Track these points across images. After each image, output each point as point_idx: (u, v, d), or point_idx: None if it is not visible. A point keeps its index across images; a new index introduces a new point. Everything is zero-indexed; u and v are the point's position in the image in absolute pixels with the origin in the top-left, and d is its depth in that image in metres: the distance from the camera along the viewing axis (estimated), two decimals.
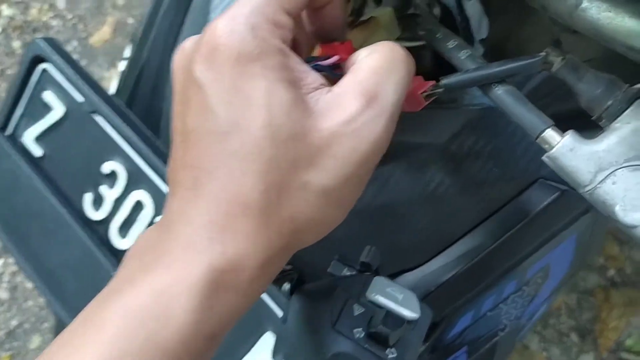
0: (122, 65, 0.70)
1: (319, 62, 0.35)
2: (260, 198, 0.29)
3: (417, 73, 0.40)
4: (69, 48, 1.74)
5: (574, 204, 0.51)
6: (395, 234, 0.52)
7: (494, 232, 0.51)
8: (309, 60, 0.35)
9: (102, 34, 1.77)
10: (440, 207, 0.51)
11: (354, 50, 0.37)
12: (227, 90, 0.30)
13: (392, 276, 0.53)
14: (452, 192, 0.51)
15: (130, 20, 1.77)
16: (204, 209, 0.30)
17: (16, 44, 1.72)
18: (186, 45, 0.33)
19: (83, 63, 1.71)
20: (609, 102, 0.33)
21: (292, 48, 0.33)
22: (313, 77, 0.33)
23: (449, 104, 0.51)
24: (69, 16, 1.79)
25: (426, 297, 0.52)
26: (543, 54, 0.35)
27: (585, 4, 0.33)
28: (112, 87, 0.71)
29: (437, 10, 0.50)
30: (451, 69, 0.40)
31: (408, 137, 0.50)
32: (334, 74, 0.36)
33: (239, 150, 0.29)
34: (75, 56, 1.71)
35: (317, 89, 0.32)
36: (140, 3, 1.79)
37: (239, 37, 0.30)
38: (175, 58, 0.34)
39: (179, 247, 0.30)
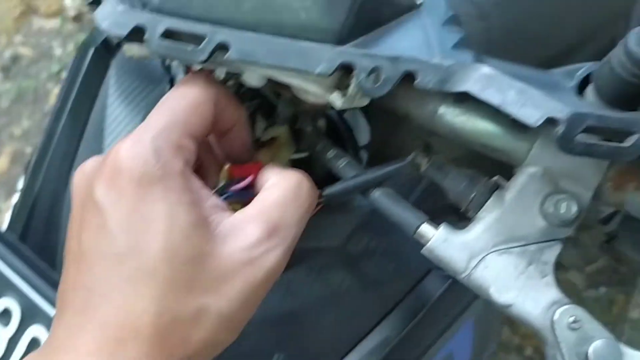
0: (15, 198, 0.68)
1: (231, 189, 0.37)
2: (153, 322, 0.29)
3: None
4: None
5: (466, 290, 0.54)
6: (303, 339, 0.52)
7: (396, 327, 0.52)
8: (221, 190, 0.37)
9: None
10: (343, 308, 0.52)
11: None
12: (128, 213, 0.30)
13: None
14: (353, 292, 0.52)
15: (29, 150, 1.74)
16: (92, 335, 0.29)
17: None
18: (87, 166, 0.34)
19: None
20: (472, 195, 0.37)
21: (199, 170, 0.35)
22: (214, 200, 0.34)
23: (341, 207, 0.54)
24: None
25: None
26: (410, 157, 0.39)
27: (441, 110, 0.38)
28: (4, 221, 0.69)
29: (322, 122, 0.54)
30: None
31: (306, 243, 0.52)
32: (246, 194, 0.37)
33: (135, 274, 0.30)
34: None
35: (219, 211, 0.33)
36: (39, 131, 1.77)
37: (142, 160, 0.31)
38: (75, 178, 0.34)
39: None
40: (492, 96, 0.32)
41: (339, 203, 0.52)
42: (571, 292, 1.47)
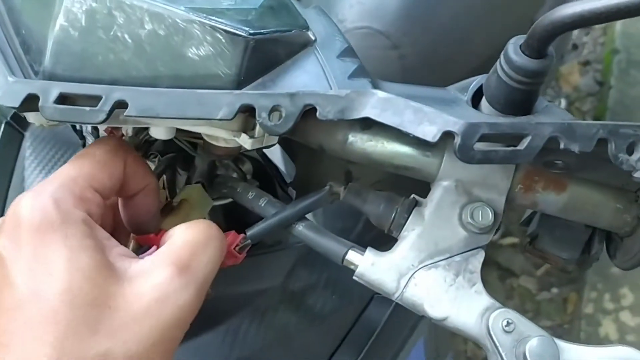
0: None
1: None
2: None
3: (243, 224, 0.42)
4: None
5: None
6: None
7: (349, 358, 0.52)
8: None
9: None
10: (293, 347, 0.52)
11: None
12: (28, 260, 0.31)
13: None
14: (300, 330, 0.52)
15: None
16: None
17: None
18: None
19: None
20: (392, 216, 0.37)
21: (113, 234, 0.35)
22: (122, 250, 0.34)
23: (275, 246, 0.54)
24: None
25: None
26: (327, 187, 0.39)
27: (351, 139, 0.38)
28: None
29: (247, 166, 0.54)
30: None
31: (247, 287, 0.52)
32: None
33: (35, 319, 0.29)
34: None
35: (127, 257, 0.33)
36: None
37: (41, 210, 0.31)
38: None
39: None
40: (390, 118, 0.33)
41: (274, 242, 0.52)
42: (525, 296, 1.50)
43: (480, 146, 0.31)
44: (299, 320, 0.52)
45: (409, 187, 0.42)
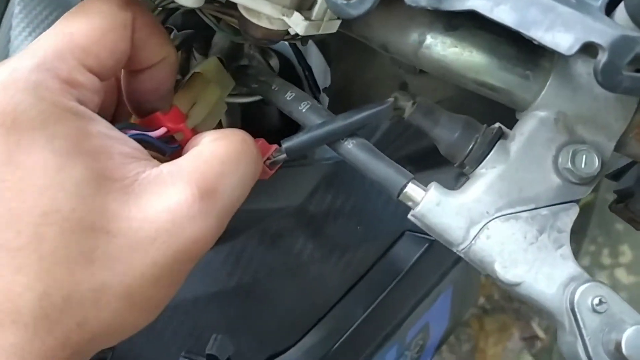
0: None
1: (144, 133, 0.29)
2: (37, 302, 0.23)
3: (263, 132, 0.34)
4: None
5: (445, 254, 0.48)
6: (258, 316, 0.45)
7: (366, 298, 0.46)
8: (125, 127, 0.28)
9: None
10: (304, 278, 0.46)
11: (183, 117, 0.31)
12: None
13: None
14: (314, 259, 0.46)
15: None
16: None
17: None
18: None
19: None
20: (470, 147, 0.30)
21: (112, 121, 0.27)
22: (130, 146, 0.27)
23: (299, 160, 0.46)
24: None
25: None
26: (391, 99, 0.31)
27: (429, 41, 0.30)
28: None
29: (274, 62, 0.45)
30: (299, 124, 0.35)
31: (258, 204, 0.45)
32: (170, 148, 0.30)
33: (12, 243, 0.23)
34: None
35: (135, 159, 0.26)
36: None
37: (14, 98, 0.24)
38: None
39: None
40: (506, 15, 0.24)
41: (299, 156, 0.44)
42: None
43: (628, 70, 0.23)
44: (314, 248, 0.45)
45: (480, 114, 0.34)
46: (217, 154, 0.27)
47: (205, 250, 0.26)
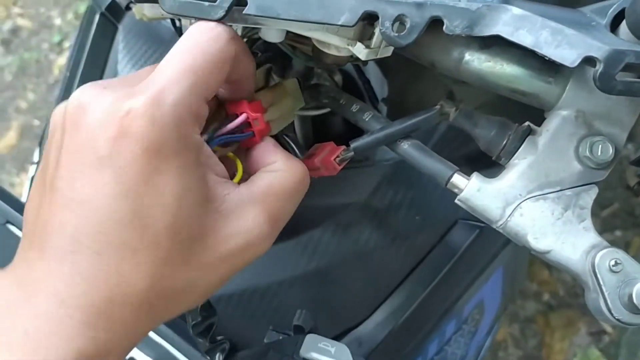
0: (32, 170, 0.68)
1: (225, 132, 0.35)
2: (146, 291, 0.29)
3: (329, 138, 0.41)
4: None
5: (495, 238, 0.53)
6: (333, 295, 0.52)
7: (426, 278, 0.52)
8: (212, 134, 0.34)
9: (7, 139, 1.72)
10: (371, 264, 0.52)
11: (263, 110, 0.37)
12: (138, 182, 0.28)
13: (337, 337, 0.53)
14: (380, 246, 0.52)
15: (36, 122, 1.74)
16: (83, 290, 0.28)
17: None
18: (88, 109, 0.30)
19: None
20: (504, 142, 0.36)
21: None
22: (219, 168, 0.33)
23: (363, 162, 0.53)
24: None
25: (373, 352, 0.52)
26: (438, 107, 0.38)
27: (467, 58, 0.36)
28: (23, 194, 0.68)
29: (338, 77, 0.53)
30: (360, 131, 0.43)
31: (331, 200, 0.52)
32: (243, 135, 0.36)
33: (137, 243, 0.29)
34: None
35: (222, 181, 0.32)
36: (45, 104, 1.76)
37: (161, 130, 0.29)
38: (64, 114, 0.31)
39: (46, 328, 0.27)
40: (524, 38, 0.31)
41: (363, 157, 0.51)
42: None
43: (620, 76, 0.29)
44: (379, 237, 0.52)
45: (515, 113, 0.40)
46: (286, 188, 0.33)
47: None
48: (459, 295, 0.53)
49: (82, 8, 1.92)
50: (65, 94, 0.62)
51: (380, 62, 0.55)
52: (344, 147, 0.39)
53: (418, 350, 0.53)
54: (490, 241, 0.53)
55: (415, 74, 0.50)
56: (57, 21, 1.93)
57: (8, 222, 0.52)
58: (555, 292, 1.50)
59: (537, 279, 1.48)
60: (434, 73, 0.46)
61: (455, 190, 0.36)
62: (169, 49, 0.33)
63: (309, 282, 0.52)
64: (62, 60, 1.85)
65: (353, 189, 0.52)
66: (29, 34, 1.92)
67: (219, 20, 0.33)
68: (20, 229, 0.52)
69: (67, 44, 1.88)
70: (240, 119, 0.36)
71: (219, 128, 0.35)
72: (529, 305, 1.48)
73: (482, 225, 0.52)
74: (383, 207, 0.52)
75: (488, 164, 0.45)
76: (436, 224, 0.53)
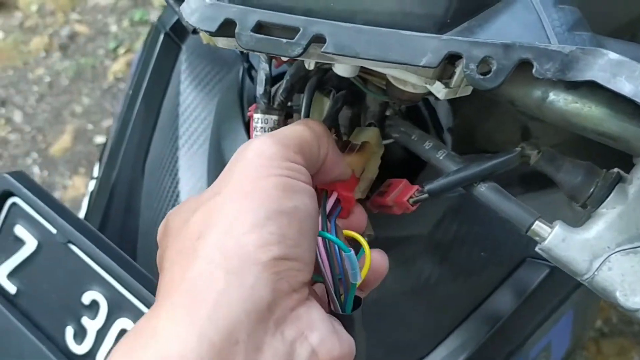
0: (91, 185, 0.69)
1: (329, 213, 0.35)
2: None
3: (391, 166, 0.40)
4: (28, 160, 1.72)
5: (566, 279, 0.51)
6: (392, 329, 0.50)
7: (490, 317, 0.50)
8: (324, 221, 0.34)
9: (62, 142, 1.76)
10: (433, 298, 0.51)
11: (355, 183, 0.38)
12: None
13: None
14: (443, 281, 0.50)
15: (90, 127, 1.77)
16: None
17: None
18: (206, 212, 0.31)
19: (44, 174, 1.69)
20: (591, 189, 0.34)
21: None
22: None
23: None
24: (27, 129, 1.78)
25: None
26: (519, 149, 0.36)
27: (552, 97, 0.34)
28: (82, 207, 0.69)
29: (403, 106, 0.51)
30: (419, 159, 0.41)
31: (393, 232, 0.50)
32: (336, 212, 0.36)
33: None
34: (35, 168, 1.69)
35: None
36: (99, 109, 1.80)
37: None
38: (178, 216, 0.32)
39: None
40: (622, 86, 0.29)
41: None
42: None
43: None
44: (442, 271, 0.50)
45: (596, 154, 0.38)
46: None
47: None
48: (526, 337, 0.51)
49: (138, 16, 1.96)
50: (128, 112, 0.63)
51: None
52: (417, 187, 0.38)
53: None
54: (561, 282, 0.51)
55: (486, 107, 0.48)
56: (113, 28, 1.97)
57: (70, 241, 0.53)
58: (609, 318, 1.45)
59: None
60: (505, 109, 0.45)
61: (537, 239, 0.35)
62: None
63: (367, 314, 0.50)
64: (116, 66, 1.88)
65: (416, 221, 0.51)
66: (86, 40, 1.96)
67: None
68: (81, 249, 0.53)
69: (122, 51, 1.92)
70: (331, 201, 0.36)
71: (328, 215, 0.35)
72: None
73: (552, 264, 0.50)
74: (447, 241, 0.50)
75: (543, 185, 0.43)
76: (503, 261, 0.51)
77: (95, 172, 0.68)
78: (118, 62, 1.91)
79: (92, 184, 0.68)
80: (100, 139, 1.74)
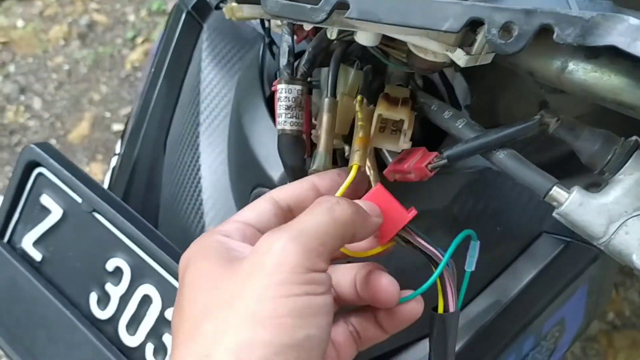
0: (113, 161, 0.70)
1: None
2: None
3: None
4: None
5: (581, 254, 0.51)
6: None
7: (505, 290, 0.51)
8: None
9: (80, 129, 1.78)
10: None
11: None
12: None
13: (409, 345, 0.52)
14: (458, 255, 0.51)
15: (108, 115, 1.79)
16: None
17: None
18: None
19: None
20: (609, 157, 0.35)
21: None
22: None
23: (444, 169, 0.52)
24: (46, 115, 1.81)
25: None
26: (538, 117, 0.37)
27: (571, 67, 0.35)
28: (105, 183, 0.71)
29: (420, 80, 0.52)
30: (436, 131, 0.42)
31: (409, 206, 0.51)
32: None
33: None
34: None
35: None
36: (117, 98, 1.82)
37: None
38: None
39: None
40: None
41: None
42: None
43: None
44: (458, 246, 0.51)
45: (615, 127, 0.38)
46: None
47: None
48: (540, 311, 0.51)
49: (155, 5, 1.97)
50: (150, 89, 0.64)
51: (465, 69, 0.54)
52: (435, 153, 0.38)
53: None
54: (576, 256, 0.51)
55: (504, 81, 0.48)
56: (131, 17, 1.99)
57: (94, 210, 0.54)
58: (621, 311, 1.44)
59: None
60: (526, 81, 0.45)
61: (554, 204, 0.35)
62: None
63: None
64: (134, 55, 1.90)
65: (433, 196, 0.51)
66: (104, 29, 1.98)
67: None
68: (106, 218, 0.54)
69: (139, 40, 1.93)
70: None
71: None
72: (592, 324, 1.43)
73: (568, 239, 0.50)
74: (463, 216, 0.51)
75: (560, 176, 0.43)
76: (518, 236, 0.51)
77: (118, 148, 0.70)
78: (136, 51, 1.92)
79: (114, 160, 0.70)
80: (117, 127, 1.76)
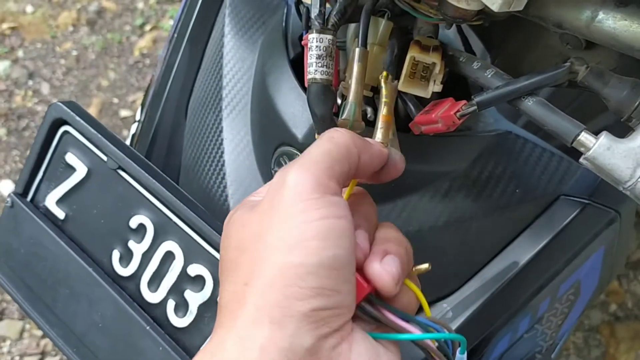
0: (133, 128, 0.71)
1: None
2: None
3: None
4: None
5: (598, 216, 0.52)
6: (424, 262, 0.52)
7: (522, 252, 0.51)
8: None
9: None
10: (466, 233, 0.52)
11: None
12: None
13: (428, 305, 0.53)
14: (477, 217, 0.52)
15: (115, 100, 1.80)
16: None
17: (1, 132, 1.73)
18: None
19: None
20: (637, 103, 0.35)
21: None
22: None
23: (464, 131, 0.53)
24: (54, 101, 1.81)
25: (462, 324, 0.52)
26: (568, 64, 0.38)
27: (601, 16, 0.36)
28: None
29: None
30: (458, 88, 0.42)
31: (430, 167, 0.52)
32: None
33: None
34: None
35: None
36: (125, 84, 1.83)
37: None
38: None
39: None
40: None
41: (463, 126, 0.51)
42: None
43: None
44: (477, 207, 0.52)
45: None
46: None
47: None
48: (556, 273, 0.52)
49: None
50: (173, 54, 0.65)
51: (484, 35, 0.55)
52: (464, 102, 0.39)
53: (508, 326, 0.52)
54: (594, 219, 0.52)
55: (528, 41, 0.49)
56: (140, 5, 2.00)
57: (120, 167, 0.55)
58: (624, 303, 1.45)
59: (606, 289, 1.44)
60: (550, 40, 0.46)
61: (582, 149, 0.36)
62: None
63: None
64: (142, 42, 1.91)
65: (453, 158, 0.52)
66: (113, 16, 1.99)
67: None
68: (131, 175, 0.55)
69: (148, 28, 1.94)
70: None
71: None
72: (594, 315, 1.44)
73: (586, 202, 0.51)
74: (482, 178, 0.52)
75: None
76: (537, 198, 0.52)
77: (138, 115, 0.70)
78: (144, 38, 1.93)
79: (134, 127, 0.70)
80: (125, 113, 1.76)
